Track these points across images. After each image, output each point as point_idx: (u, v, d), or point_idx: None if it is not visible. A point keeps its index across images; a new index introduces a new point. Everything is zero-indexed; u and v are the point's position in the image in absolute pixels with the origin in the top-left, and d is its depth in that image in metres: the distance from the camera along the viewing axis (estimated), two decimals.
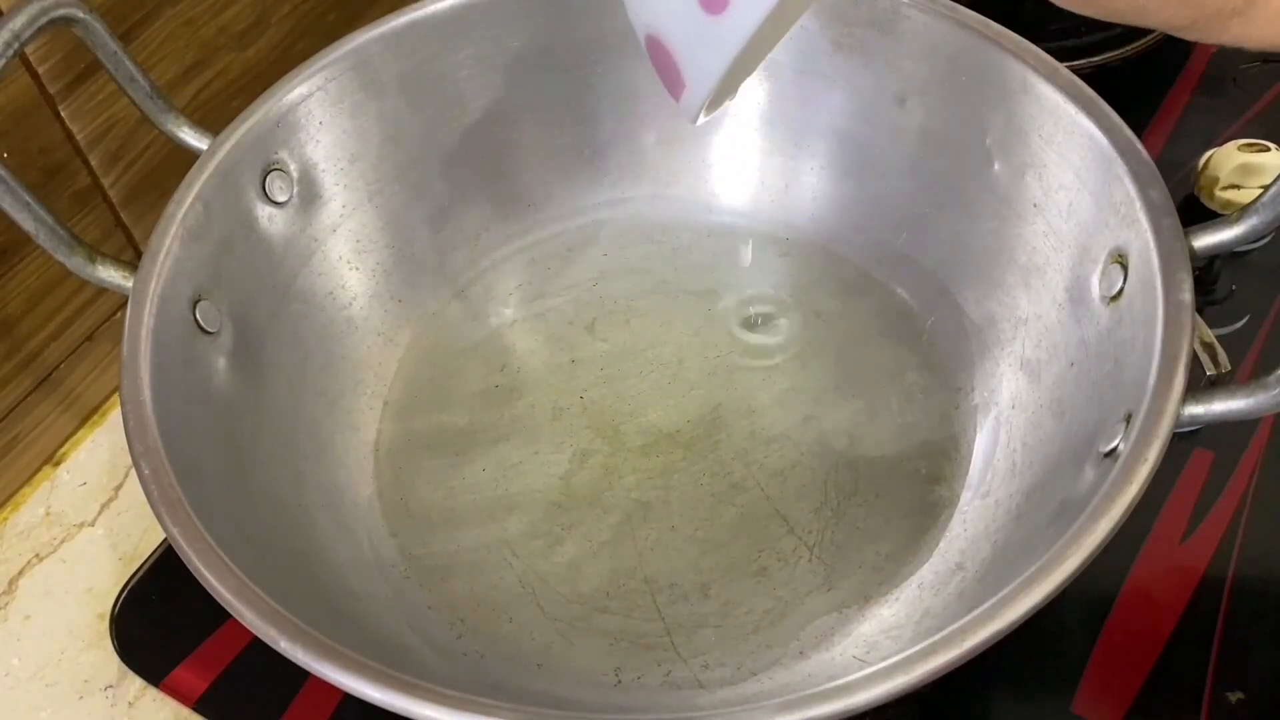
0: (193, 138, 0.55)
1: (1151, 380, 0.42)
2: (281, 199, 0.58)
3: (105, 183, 0.61)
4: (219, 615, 0.41)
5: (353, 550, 0.55)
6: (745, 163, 0.68)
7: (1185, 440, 0.58)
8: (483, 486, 0.58)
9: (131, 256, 0.63)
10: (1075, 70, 0.53)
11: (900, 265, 0.64)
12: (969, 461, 0.56)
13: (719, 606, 0.53)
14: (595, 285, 0.66)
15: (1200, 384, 0.57)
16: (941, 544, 0.54)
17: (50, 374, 0.62)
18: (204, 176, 0.53)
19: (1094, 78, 0.53)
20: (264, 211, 0.57)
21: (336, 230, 0.61)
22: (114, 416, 0.65)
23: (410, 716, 0.38)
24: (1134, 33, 0.74)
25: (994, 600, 0.38)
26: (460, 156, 0.65)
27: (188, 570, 0.42)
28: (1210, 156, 0.67)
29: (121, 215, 0.62)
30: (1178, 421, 0.41)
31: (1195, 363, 0.49)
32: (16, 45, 0.47)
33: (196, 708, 0.53)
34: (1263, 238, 0.64)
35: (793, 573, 0.53)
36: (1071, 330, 0.52)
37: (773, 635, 0.51)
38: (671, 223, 0.68)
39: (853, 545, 0.54)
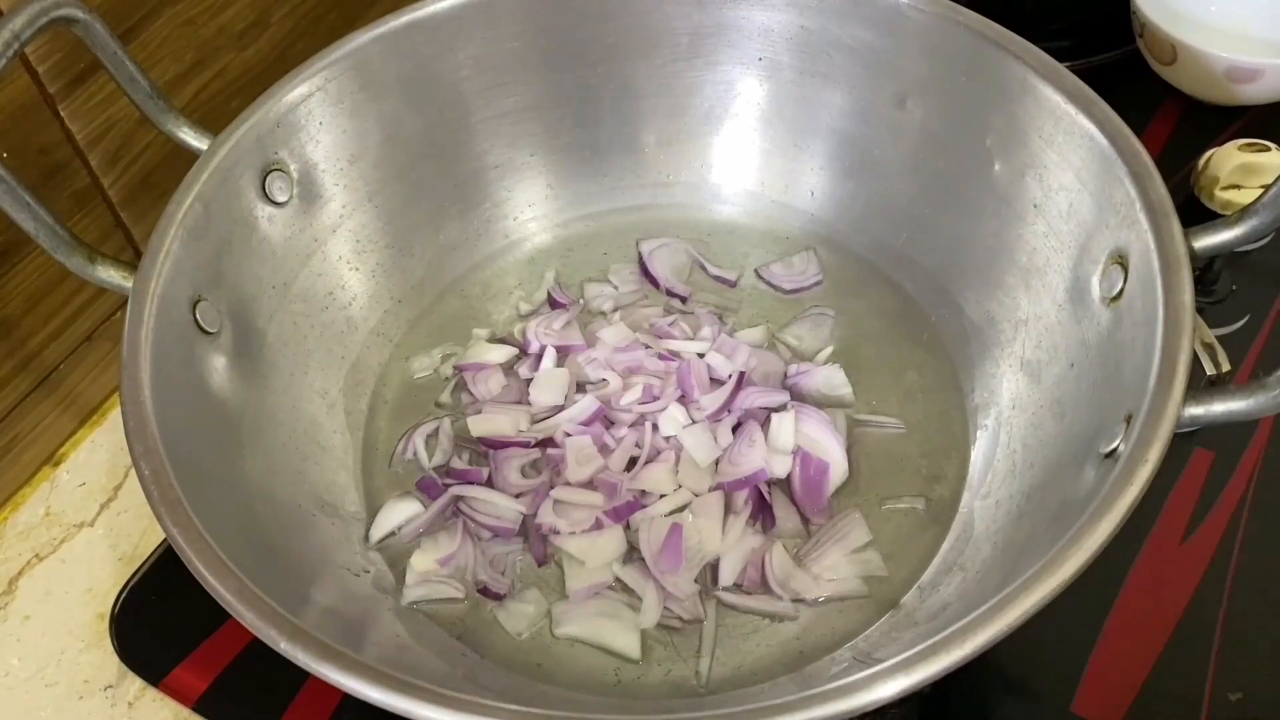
0: (193, 138, 0.55)
1: (1152, 381, 0.42)
2: (281, 199, 0.58)
3: (105, 183, 0.60)
4: (219, 615, 0.41)
5: (352, 551, 0.55)
6: (745, 163, 0.68)
7: (1185, 440, 0.58)
8: None
9: (131, 256, 0.63)
10: (1075, 70, 0.53)
11: (900, 265, 0.64)
12: (969, 462, 0.56)
13: (720, 606, 0.53)
14: (596, 285, 0.66)
15: (1200, 384, 0.57)
16: (942, 544, 0.54)
17: (50, 374, 0.62)
18: (204, 176, 0.53)
19: (1094, 77, 0.53)
20: (264, 211, 0.57)
21: (336, 230, 0.61)
22: (114, 416, 0.65)
23: (410, 716, 0.38)
24: (1132, 32, 0.74)
25: (994, 601, 0.38)
26: (460, 157, 0.65)
27: (188, 570, 0.42)
28: (1210, 156, 0.67)
29: (121, 215, 0.62)
30: (1178, 422, 0.41)
31: (1195, 363, 0.49)
32: (16, 45, 0.47)
33: (196, 708, 0.53)
34: (1263, 238, 0.64)
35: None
36: (1072, 331, 0.52)
37: (773, 634, 0.52)
38: (672, 222, 0.68)
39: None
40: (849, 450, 0.56)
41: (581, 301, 0.65)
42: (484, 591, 0.53)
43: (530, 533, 0.55)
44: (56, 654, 0.56)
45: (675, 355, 0.60)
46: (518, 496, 0.56)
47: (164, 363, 0.48)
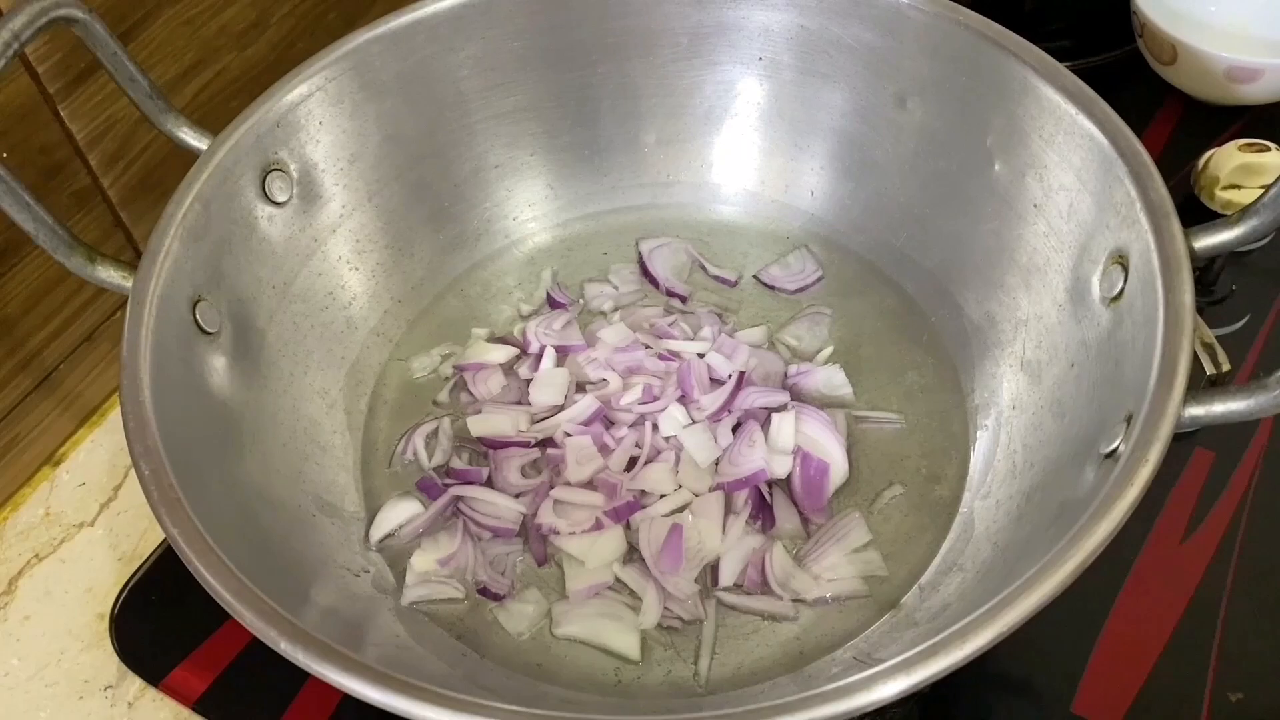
0: (192, 138, 0.55)
1: (1152, 381, 0.42)
2: (281, 199, 0.58)
3: (105, 183, 0.60)
4: (219, 615, 0.41)
5: (352, 551, 0.55)
6: (746, 162, 0.68)
7: (1185, 440, 0.58)
8: None
9: (131, 256, 0.63)
10: (1075, 70, 0.53)
11: (900, 265, 0.64)
12: (969, 462, 0.56)
13: (720, 606, 0.53)
14: (596, 285, 0.66)
15: (1200, 384, 0.57)
16: (942, 544, 0.54)
17: (50, 374, 0.62)
18: (204, 176, 0.53)
19: (1094, 77, 0.53)
20: (264, 211, 0.57)
21: (336, 230, 0.61)
22: (114, 416, 0.65)
23: (410, 716, 0.38)
24: (1132, 32, 0.74)
25: (995, 601, 0.38)
26: (460, 157, 0.65)
27: (188, 570, 0.42)
28: (1210, 156, 0.67)
29: (121, 215, 0.62)
30: (1178, 423, 0.41)
31: (1195, 363, 0.49)
32: (16, 45, 0.47)
33: (196, 708, 0.53)
34: (1263, 238, 0.64)
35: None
36: (1072, 331, 0.52)
37: (772, 635, 0.52)
38: (672, 222, 0.68)
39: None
40: (849, 450, 0.56)
41: (581, 301, 0.65)
42: (484, 591, 0.53)
43: (530, 533, 0.55)
44: (56, 654, 0.56)
45: (675, 355, 0.60)
46: (518, 496, 0.56)
47: (164, 363, 0.48)
